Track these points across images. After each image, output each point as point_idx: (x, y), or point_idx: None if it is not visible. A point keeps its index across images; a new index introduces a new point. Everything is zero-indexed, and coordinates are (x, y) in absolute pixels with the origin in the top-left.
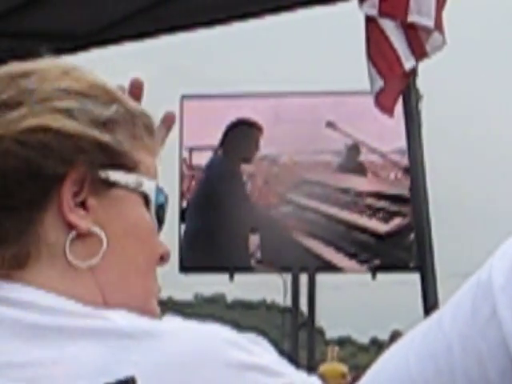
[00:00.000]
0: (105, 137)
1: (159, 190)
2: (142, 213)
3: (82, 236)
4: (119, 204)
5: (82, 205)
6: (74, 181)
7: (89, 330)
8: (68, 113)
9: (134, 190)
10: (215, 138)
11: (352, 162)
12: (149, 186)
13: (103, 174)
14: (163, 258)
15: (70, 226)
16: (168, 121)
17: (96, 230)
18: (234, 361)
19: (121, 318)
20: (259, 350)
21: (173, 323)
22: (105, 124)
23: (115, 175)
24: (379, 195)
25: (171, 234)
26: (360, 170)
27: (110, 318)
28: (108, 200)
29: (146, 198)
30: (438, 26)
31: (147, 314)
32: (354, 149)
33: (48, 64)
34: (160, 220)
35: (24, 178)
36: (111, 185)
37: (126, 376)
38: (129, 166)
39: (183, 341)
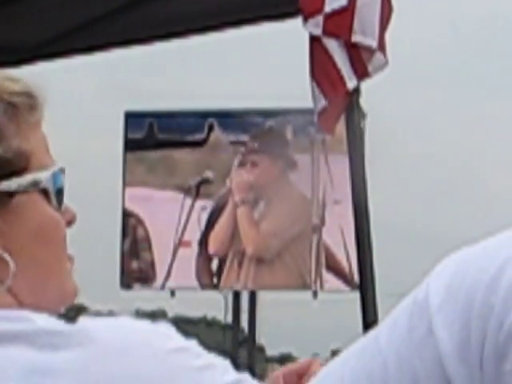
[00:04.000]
0: None
1: (56, 174)
2: (43, 211)
3: None
4: (20, 211)
5: None
6: None
7: (14, 332)
8: None
9: (33, 190)
10: None
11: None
12: (45, 179)
13: None
14: (70, 223)
15: None
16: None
17: (5, 255)
18: (161, 349)
19: (42, 320)
20: (184, 339)
21: (97, 320)
22: None
23: (9, 184)
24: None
25: (113, 249)
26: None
27: (31, 320)
28: (9, 212)
29: (45, 193)
30: (381, 46)
31: (68, 298)
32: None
33: None
34: (60, 202)
35: None
36: (10, 195)
37: (56, 373)
38: (20, 169)
39: (110, 333)
